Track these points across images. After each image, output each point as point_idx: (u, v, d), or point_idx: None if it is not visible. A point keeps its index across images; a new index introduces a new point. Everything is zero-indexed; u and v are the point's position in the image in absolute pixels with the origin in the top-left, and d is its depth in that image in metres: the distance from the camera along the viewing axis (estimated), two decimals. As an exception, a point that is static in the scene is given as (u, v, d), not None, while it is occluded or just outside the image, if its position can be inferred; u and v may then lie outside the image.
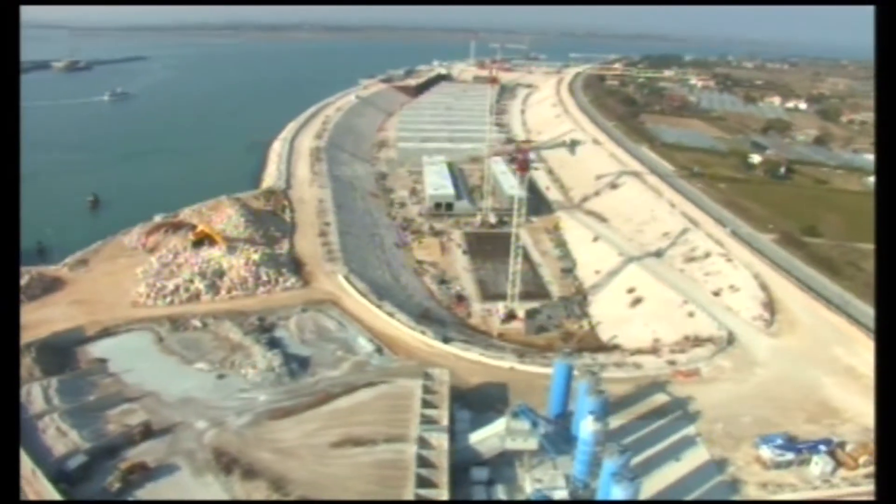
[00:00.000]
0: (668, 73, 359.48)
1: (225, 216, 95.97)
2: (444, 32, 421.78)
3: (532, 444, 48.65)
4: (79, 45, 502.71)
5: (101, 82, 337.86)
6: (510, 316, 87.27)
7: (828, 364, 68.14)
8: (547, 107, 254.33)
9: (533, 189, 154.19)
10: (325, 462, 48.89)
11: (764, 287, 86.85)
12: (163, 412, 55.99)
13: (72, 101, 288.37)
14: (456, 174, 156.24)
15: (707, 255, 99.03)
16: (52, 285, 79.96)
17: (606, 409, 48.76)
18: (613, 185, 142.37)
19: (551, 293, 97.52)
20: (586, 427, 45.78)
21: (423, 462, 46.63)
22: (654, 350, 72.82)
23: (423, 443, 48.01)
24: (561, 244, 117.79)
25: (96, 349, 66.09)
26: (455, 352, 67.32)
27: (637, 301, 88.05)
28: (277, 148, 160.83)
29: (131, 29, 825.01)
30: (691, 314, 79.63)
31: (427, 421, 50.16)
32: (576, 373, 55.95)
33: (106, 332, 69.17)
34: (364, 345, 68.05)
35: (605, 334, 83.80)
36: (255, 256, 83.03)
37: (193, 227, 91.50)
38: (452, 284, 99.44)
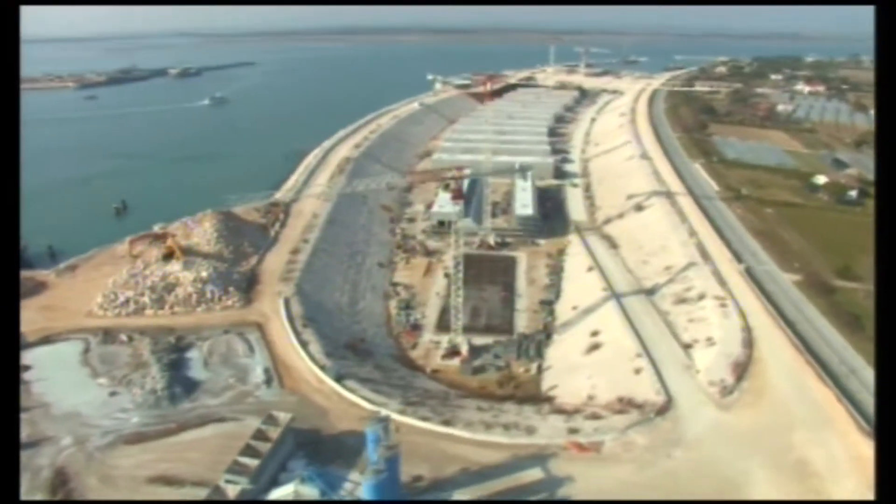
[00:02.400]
0: (774, 77, 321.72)
1: (202, 230, 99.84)
2: (552, 35, 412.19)
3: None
4: (193, 52, 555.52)
5: (206, 87, 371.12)
6: (453, 352, 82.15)
7: (775, 454, 55.76)
8: (616, 115, 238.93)
9: (559, 207, 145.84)
10: (132, 497, 48.60)
11: (749, 343, 73.81)
12: (41, 425, 58.80)
13: (175, 107, 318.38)
14: (478, 188, 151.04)
15: (701, 297, 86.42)
16: (34, 290, 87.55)
17: (394, 466, 43.36)
18: (639, 207, 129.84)
19: (515, 328, 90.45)
20: (366, 485, 41.35)
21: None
22: (576, 411, 64.39)
23: (217, 491, 46.03)
24: (556, 272, 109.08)
25: (28, 356, 70.91)
26: (341, 391, 64.14)
27: (594, 347, 78.71)
28: (310, 157, 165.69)
29: (252, 35, 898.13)
30: (638, 371, 69.49)
31: (237, 468, 47.91)
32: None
33: (46, 340, 74.40)
34: (258, 374, 67.19)
35: (547, 382, 75.79)
36: (204, 273, 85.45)
37: (166, 239, 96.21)
38: (416, 311, 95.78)
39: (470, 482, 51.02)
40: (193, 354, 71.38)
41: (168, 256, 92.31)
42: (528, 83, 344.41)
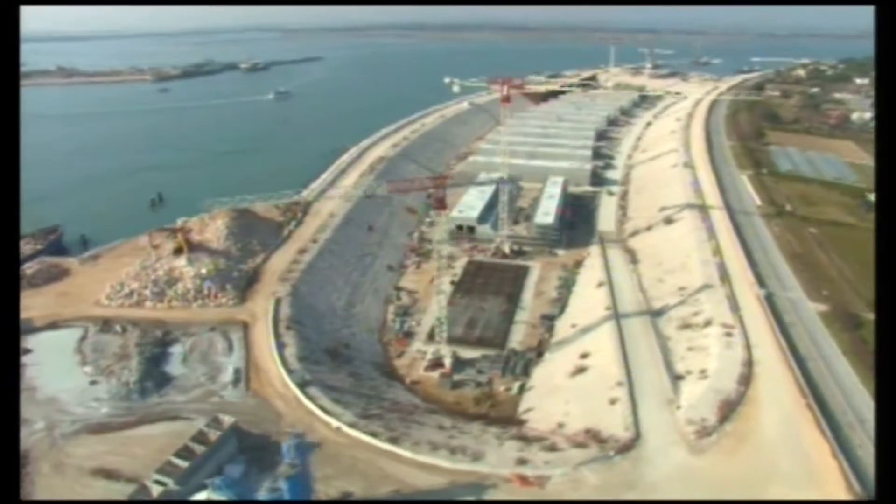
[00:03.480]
0: (859, 81, 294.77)
1: (215, 226, 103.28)
2: (613, 34, 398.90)
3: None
4: (266, 47, 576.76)
5: (272, 82, 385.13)
6: (436, 363, 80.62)
7: (741, 509, 50.91)
8: (672, 120, 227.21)
9: (590, 216, 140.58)
10: (74, 488, 50.72)
11: (746, 379, 67.67)
12: (22, 407, 62.74)
13: (240, 100, 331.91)
14: (507, 194, 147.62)
15: (707, 323, 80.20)
16: (56, 276, 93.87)
17: (297, 486, 42.51)
18: (669, 220, 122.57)
19: (508, 343, 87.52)
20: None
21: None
22: (539, 439, 61.28)
23: (142, 490, 47.20)
24: (567, 286, 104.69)
25: (32, 340, 76.04)
26: (301, 398, 64.22)
27: (579, 371, 74.75)
28: (346, 155, 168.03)
29: (324, 30, 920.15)
30: (613, 401, 65.28)
31: (168, 468, 48.88)
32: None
33: (53, 326, 79.37)
34: (229, 374, 68.57)
35: (526, 404, 72.71)
36: (204, 270, 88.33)
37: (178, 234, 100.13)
38: (413, 318, 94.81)
39: (398, 507, 49.71)
40: (176, 350, 73.88)
41: (178, 251, 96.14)
42: (587, 84, 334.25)
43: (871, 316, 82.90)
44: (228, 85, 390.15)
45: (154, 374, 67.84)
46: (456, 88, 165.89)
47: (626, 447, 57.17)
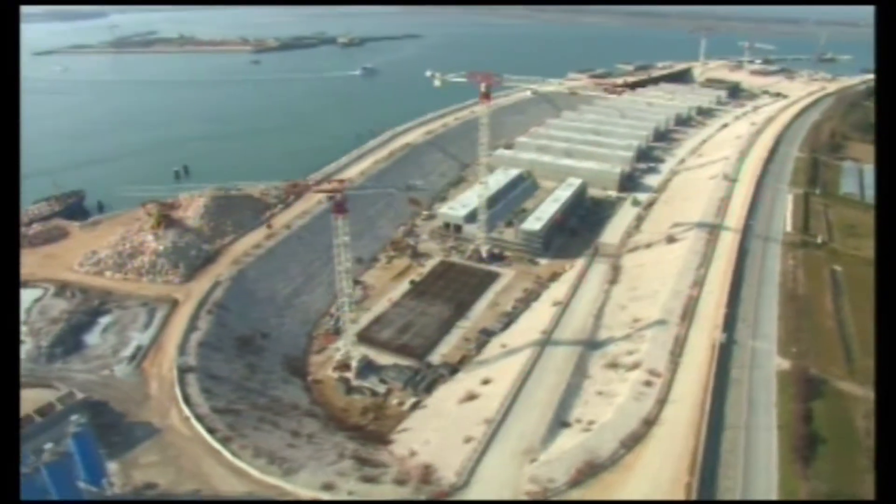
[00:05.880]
0: None
1: (196, 205, 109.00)
2: (704, 23, 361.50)
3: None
4: (375, 21, 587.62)
5: (365, 57, 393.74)
6: (344, 365, 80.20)
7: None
8: (747, 124, 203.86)
9: (600, 224, 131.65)
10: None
11: (634, 440, 59.93)
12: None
13: (325, 75, 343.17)
14: (515, 193, 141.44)
15: (634, 367, 72.29)
16: (55, 238, 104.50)
17: (59, 472, 44.31)
18: (671, 239, 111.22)
19: (430, 355, 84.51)
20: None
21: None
22: (380, 465, 59.19)
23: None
24: (530, 300, 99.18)
25: None
26: (174, 383, 66.73)
27: (470, 398, 70.61)
28: (374, 140, 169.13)
29: (441, 5, 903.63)
30: (468, 440, 60.98)
31: None
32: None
33: (23, 284, 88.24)
34: (130, 350, 72.82)
35: (407, 423, 70.23)
36: (161, 247, 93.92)
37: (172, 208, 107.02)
38: (353, 316, 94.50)
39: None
40: (104, 320, 79.71)
41: (158, 225, 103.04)
42: (675, 76, 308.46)
43: (841, 385, 70.38)
44: (320, 59, 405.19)
45: (68, 342, 73.68)
46: (437, 83, 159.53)
47: (442, 494, 53.52)
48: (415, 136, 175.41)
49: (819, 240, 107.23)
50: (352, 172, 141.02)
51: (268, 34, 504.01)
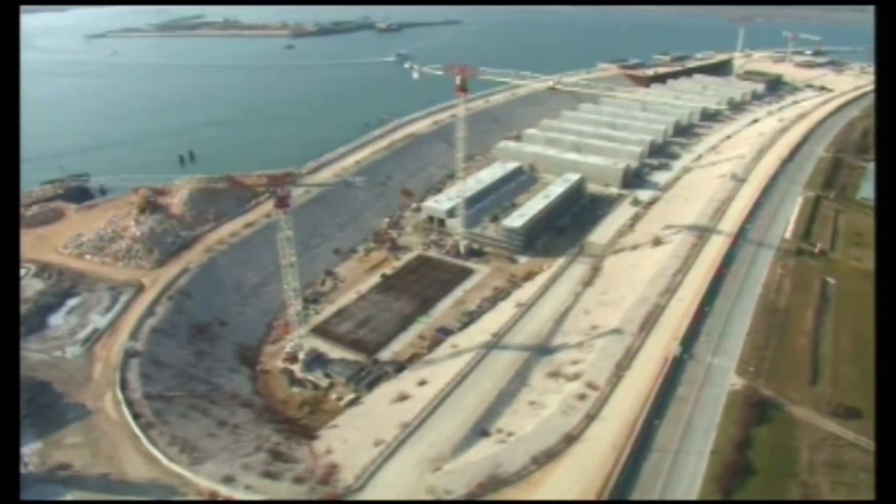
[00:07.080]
0: None
1: (181, 193, 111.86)
2: (744, 13, 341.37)
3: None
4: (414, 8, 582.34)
5: (401, 43, 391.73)
6: (293, 356, 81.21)
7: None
8: (774, 120, 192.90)
9: (593, 222, 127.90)
10: None
11: (547, 456, 58.11)
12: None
13: (358, 60, 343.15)
14: (508, 186, 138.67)
15: (574, 377, 70.13)
16: (51, 219, 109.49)
17: None
18: (657, 242, 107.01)
19: (382, 352, 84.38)
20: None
21: None
22: (294, 462, 59.95)
23: None
24: (497, 299, 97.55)
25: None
26: (116, 367, 69.26)
27: (402, 398, 70.32)
28: (378, 129, 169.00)
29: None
30: (377, 444, 60.67)
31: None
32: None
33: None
34: (86, 332, 75.90)
35: (339, 419, 70.50)
36: (138, 233, 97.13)
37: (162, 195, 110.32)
38: (319, 306, 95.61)
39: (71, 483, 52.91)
40: (71, 302, 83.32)
41: (143, 210, 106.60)
42: (714, 68, 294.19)
43: (796, 410, 66.21)
44: (355, 45, 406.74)
45: (32, 322, 77.42)
46: (416, 75, 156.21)
47: (335, 496, 53.61)
48: (420, 126, 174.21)
49: (817, 248, 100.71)
50: (347, 162, 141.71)
51: (309, 18, 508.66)
